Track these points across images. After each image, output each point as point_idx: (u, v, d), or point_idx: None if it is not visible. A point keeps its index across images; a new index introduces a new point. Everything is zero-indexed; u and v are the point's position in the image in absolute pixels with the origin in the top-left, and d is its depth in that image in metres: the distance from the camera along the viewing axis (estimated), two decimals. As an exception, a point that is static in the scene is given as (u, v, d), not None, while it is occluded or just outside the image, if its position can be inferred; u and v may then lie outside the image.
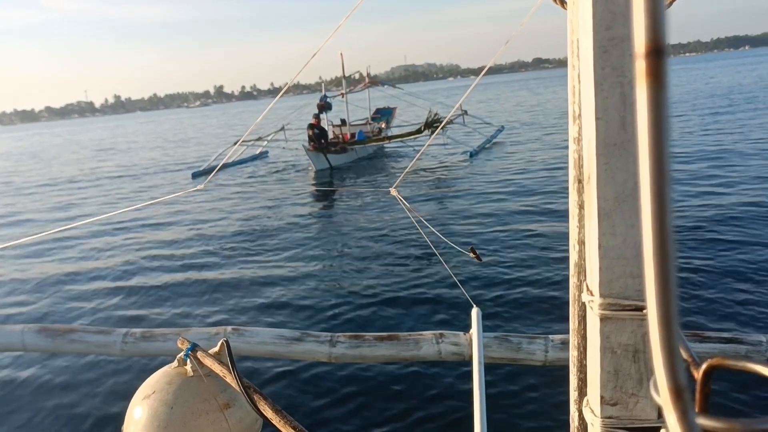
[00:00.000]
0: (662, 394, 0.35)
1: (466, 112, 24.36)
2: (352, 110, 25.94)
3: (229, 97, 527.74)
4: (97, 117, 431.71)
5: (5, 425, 5.31)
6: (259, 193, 16.97)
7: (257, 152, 25.71)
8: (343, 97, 25.46)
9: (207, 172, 22.15)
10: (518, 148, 21.27)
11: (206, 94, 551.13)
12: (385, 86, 29.14)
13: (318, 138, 20.77)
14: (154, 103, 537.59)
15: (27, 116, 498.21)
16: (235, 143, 20.48)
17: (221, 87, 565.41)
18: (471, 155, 20.23)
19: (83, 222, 3.17)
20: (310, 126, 20.99)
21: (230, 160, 21.31)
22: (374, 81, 28.34)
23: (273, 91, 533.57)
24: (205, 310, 7.73)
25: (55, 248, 11.72)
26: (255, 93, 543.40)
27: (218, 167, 2.95)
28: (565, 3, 1.09)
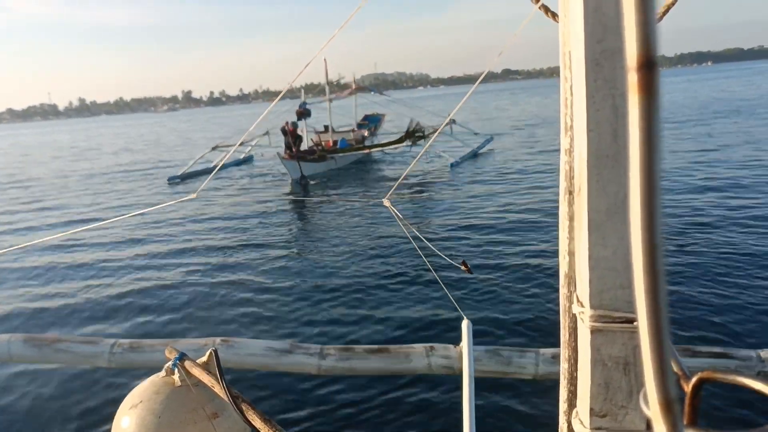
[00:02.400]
0: (652, 406, 0.35)
1: (454, 122, 23.94)
2: (336, 117, 25.87)
3: (198, 103, 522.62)
4: (60, 120, 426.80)
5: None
6: (245, 200, 16.91)
7: (242, 157, 25.39)
8: (330, 102, 25.20)
9: (184, 177, 22.00)
10: (508, 158, 21.31)
11: (174, 99, 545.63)
12: (372, 93, 28.97)
13: (289, 146, 20.33)
14: (120, 107, 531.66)
15: None
16: (214, 148, 20.18)
17: (189, 92, 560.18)
18: (452, 166, 19.94)
19: (69, 232, 3.15)
20: (283, 130, 20.56)
21: (212, 165, 20.97)
22: (361, 87, 28.16)
23: (242, 98, 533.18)
24: (194, 321, 7.67)
25: (40, 256, 11.62)
26: (224, 99, 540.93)
27: (213, 173, 2.93)
28: (557, 16, 1.10)
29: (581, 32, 0.85)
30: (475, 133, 26.10)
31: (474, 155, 22.34)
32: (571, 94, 0.94)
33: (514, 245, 10.09)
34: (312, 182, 19.48)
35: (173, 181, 21.97)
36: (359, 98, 27.09)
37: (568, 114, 0.97)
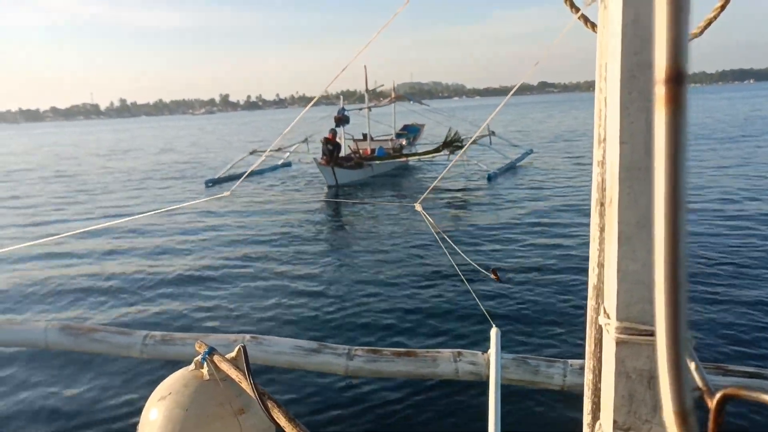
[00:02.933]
0: (667, 417, 0.35)
1: (493, 133, 23.50)
2: (374, 125, 25.62)
3: (235, 106, 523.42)
4: (101, 119, 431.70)
5: (22, 420, 5.38)
6: (281, 203, 17.04)
7: (279, 162, 25.34)
8: (370, 110, 24.97)
9: (221, 180, 21.98)
10: (545, 170, 21.08)
11: (212, 102, 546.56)
12: (412, 102, 28.37)
13: (330, 153, 20.16)
14: (159, 108, 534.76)
15: (31, 115, 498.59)
16: (252, 152, 20.32)
17: (227, 95, 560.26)
18: (489, 178, 19.47)
19: (104, 225, 3.23)
20: (325, 140, 20.44)
21: (253, 169, 20.85)
22: (400, 96, 27.58)
23: (278, 102, 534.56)
24: (223, 318, 7.77)
25: (77, 248, 11.88)
26: (260, 103, 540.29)
27: (245, 174, 2.98)
28: (596, 27, 1.09)
29: (618, 44, 0.85)
30: (515, 145, 25.64)
31: (512, 167, 21.87)
32: (606, 105, 0.94)
33: (546, 256, 9.99)
34: (343, 186, 19.60)
35: (210, 183, 22.04)
36: (397, 107, 26.70)
37: (601, 126, 0.97)
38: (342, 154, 21.48)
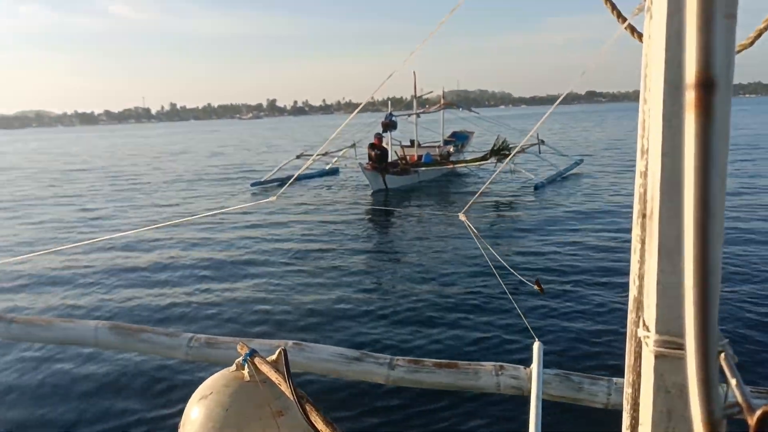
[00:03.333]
0: (695, 426, 0.34)
1: (543, 142, 23.16)
2: (423, 132, 25.37)
3: (281, 111, 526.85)
4: (153, 123, 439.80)
5: (69, 413, 5.55)
6: (326, 209, 17.16)
7: (327, 167, 25.27)
8: (418, 117, 24.77)
9: (267, 183, 22.24)
10: (592, 181, 20.70)
11: (259, 106, 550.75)
12: (461, 109, 28.01)
13: (378, 158, 20.02)
14: (208, 112, 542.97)
15: (86, 119, 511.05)
16: (298, 156, 20.44)
17: (274, 100, 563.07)
18: (536, 188, 19.13)
19: (150, 227, 3.31)
20: (371, 145, 20.28)
21: (299, 173, 20.69)
22: (449, 103, 27.31)
23: (324, 108, 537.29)
24: (265, 323, 7.87)
25: (126, 249, 12.20)
26: (306, 108, 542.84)
27: (292, 179, 3.03)
28: (642, 37, 1.08)
29: (662, 54, 0.84)
30: (564, 155, 25.20)
31: (561, 177, 21.39)
32: (649, 116, 0.93)
33: (593, 268, 9.82)
34: (390, 191, 19.59)
35: (256, 186, 22.24)
36: (446, 114, 26.41)
37: (645, 137, 0.96)
38: (389, 159, 21.34)
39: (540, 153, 22.87)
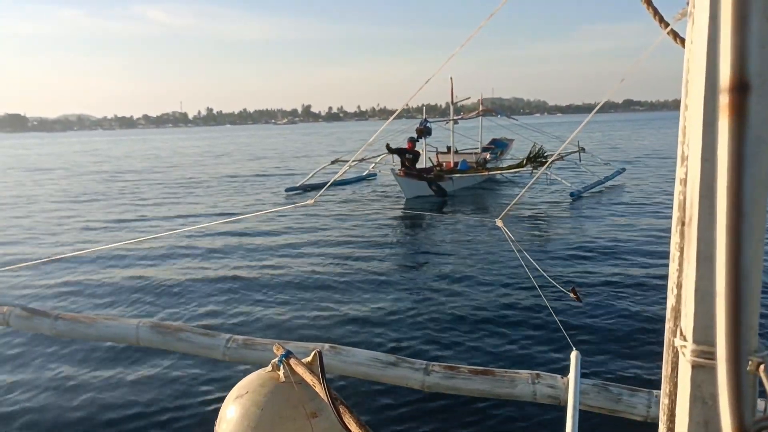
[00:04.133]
0: (725, 435, 0.34)
1: (583, 150, 22.43)
2: (461, 138, 25.10)
3: (316, 117, 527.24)
4: (189, 127, 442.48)
5: (106, 409, 5.68)
6: (363, 213, 17.19)
7: (365, 173, 25.07)
8: (456, 123, 24.37)
9: (302, 188, 22.09)
10: (633, 190, 20.30)
11: (294, 112, 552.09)
12: (500, 116, 27.28)
13: (411, 162, 19.63)
14: (243, 117, 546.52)
15: (125, 122, 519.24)
16: (333, 162, 20.27)
17: (309, 106, 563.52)
18: (572, 195, 18.53)
19: (188, 228, 3.37)
20: (402, 150, 19.74)
21: (335, 179, 20.13)
22: (488, 110, 26.79)
23: (358, 114, 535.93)
24: (300, 325, 7.93)
25: (166, 250, 12.42)
26: (341, 115, 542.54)
27: (328, 184, 3.06)
28: (684, 42, 1.07)
29: (703, 59, 0.83)
30: (605, 163, 24.55)
31: (601, 185, 20.71)
32: (690, 122, 0.91)
33: (632, 277, 9.63)
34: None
35: (291, 191, 22.12)
36: (484, 121, 26.07)
37: (685, 143, 0.95)
38: (423, 164, 21.02)
39: (580, 161, 22.32)
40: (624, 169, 23.80)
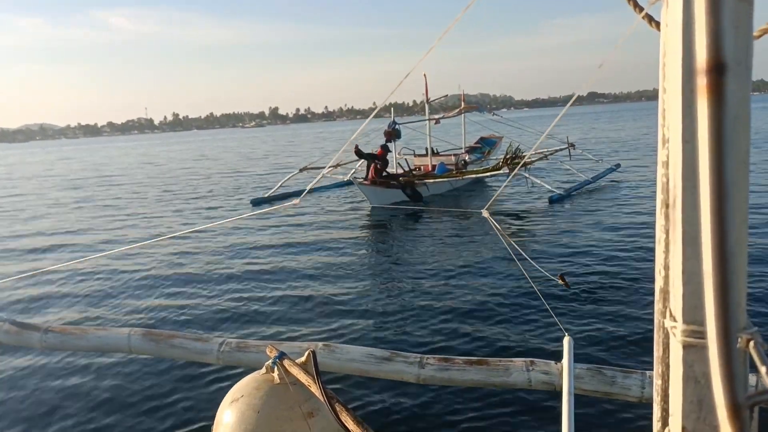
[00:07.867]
0: (719, 411, 0.34)
1: (572, 146, 20.52)
2: (445, 138, 23.99)
3: (284, 119, 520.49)
4: (155, 133, 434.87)
5: (101, 418, 5.65)
6: (346, 213, 17.05)
7: (345, 179, 21.96)
8: (437, 123, 22.56)
9: (269, 200, 20.15)
10: (617, 180, 20.27)
11: (261, 115, 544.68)
12: (483, 112, 25.39)
13: (379, 171, 18.05)
14: (210, 122, 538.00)
15: (90, 130, 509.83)
16: (302, 170, 19.09)
17: (276, 108, 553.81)
18: (552, 200, 16.69)
19: (167, 237, 3.36)
20: (373, 156, 18.29)
21: (315, 181, 16.89)
22: (470, 106, 24.68)
23: (326, 115, 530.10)
24: (292, 325, 7.91)
25: (145, 257, 12.32)
26: (309, 116, 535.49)
27: (311, 185, 3.06)
28: (659, 25, 1.08)
29: (679, 41, 0.83)
30: (598, 160, 22.90)
31: (589, 184, 18.83)
32: (669, 105, 0.92)
33: (618, 262, 9.73)
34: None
35: (257, 203, 20.19)
36: (460, 118, 24.10)
37: (665, 126, 0.95)
38: (395, 171, 19.37)
39: (570, 158, 20.58)
40: (618, 166, 21.94)
